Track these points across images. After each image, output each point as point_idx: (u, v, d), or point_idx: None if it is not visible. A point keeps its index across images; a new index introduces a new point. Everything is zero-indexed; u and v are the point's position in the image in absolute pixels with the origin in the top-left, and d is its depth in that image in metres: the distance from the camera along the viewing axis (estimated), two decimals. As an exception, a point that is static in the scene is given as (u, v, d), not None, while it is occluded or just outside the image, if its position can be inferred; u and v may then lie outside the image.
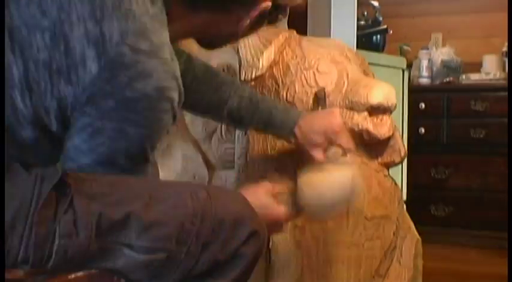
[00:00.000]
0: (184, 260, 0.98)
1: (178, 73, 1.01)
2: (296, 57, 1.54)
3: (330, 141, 1.35)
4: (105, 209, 0.94)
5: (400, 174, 2.74)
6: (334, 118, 1.37)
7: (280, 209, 1.20)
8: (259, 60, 1.52)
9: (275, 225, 1.19)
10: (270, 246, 1.39)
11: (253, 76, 1.51)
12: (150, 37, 0.96)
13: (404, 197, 2.74)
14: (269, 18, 1.18)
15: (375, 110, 1.48)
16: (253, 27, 1.17)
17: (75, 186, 0.94)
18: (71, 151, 0.99)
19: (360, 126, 1.47)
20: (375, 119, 1.48)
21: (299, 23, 2.25)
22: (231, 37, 1.20)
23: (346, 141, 1.36)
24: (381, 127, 1.49)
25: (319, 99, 1.48)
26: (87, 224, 0.92)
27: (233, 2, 1.09)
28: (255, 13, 1.11)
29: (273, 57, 1.53)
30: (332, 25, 2.31)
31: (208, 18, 1.10)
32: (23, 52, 0.95)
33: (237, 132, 1.65)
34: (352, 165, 1.31)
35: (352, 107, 1.48)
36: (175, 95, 1.00)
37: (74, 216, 0.92)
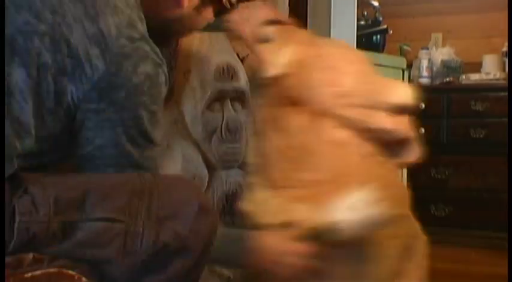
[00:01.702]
0: (145, 232, 1.03)
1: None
2: (313, 56, 1.52)
3: None
4: (60, 192, 1.00)
5: (400, 174, 2.74)
6: None
7: (297, 247, 1.29)
8: (280, 58, 1.49)
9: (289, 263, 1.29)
10: None
11: (274, 74, 1.48)
12: (137, 26, 1.06)
13: (404, 197, 2.74)
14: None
15: (397, 110, 1.48)
16: (199, 11, 1.25)
17: (28, 180, 1.00)
18: (87, 148, 1.06)
19: (381, 126, 1.47)
20: (395, 119, 1.49)
21: (299, 23, 2.25)
22: (174, 26, 1.26)
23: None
24: (401, 127, 1.49)
25: None
26: (45, 203, 0.98)
27: None
28: None
29: (293, 55, 1.50)
30: (332, 25, 2.31)
31: None
32: (22, 59, 0.98)
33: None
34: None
35: (375, 106, 1.47)
36: (165, 68, 1.10)
37: (31, 198, 0.98)
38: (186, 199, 1.10)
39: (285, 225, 1.38)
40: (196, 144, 1.91)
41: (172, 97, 1.94)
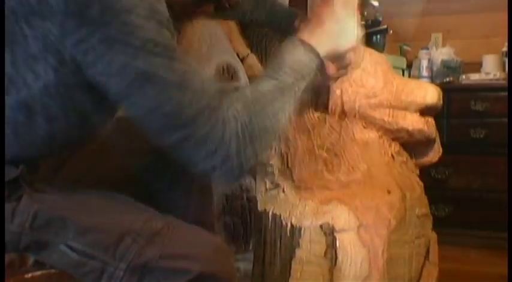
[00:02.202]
0: (126, 277, 0.97)
1: None
2: None
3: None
4: (45, 208, 0.97)
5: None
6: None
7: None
8: None
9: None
10: (337, 246, 1.36)
11: None
12: None
13: (404, 197, 2.74)
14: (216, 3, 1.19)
15: (427, 110, 1.48)
16: (200, 7, 1.17)
17: (28, 189, 0.98)
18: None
19: (414, 126, 1.46)
20: (424, 119, 1.49)
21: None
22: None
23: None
24: (429, 127, 1.50)
25: None
26: (23, 213, 0.96)
27: None
28: None
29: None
30: (332, 25, 2.31)
31: None
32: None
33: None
34: None
35: (406, 107, 1.47)
36: (163, 9, 0.94)
37: (15, 207, 0.96)
38: (192, 259, 0.98)
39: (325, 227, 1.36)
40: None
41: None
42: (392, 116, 1.47)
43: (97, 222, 0.99)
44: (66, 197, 1.02)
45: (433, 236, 1.54)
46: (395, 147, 1.50)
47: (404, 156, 1.52)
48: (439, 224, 3.52)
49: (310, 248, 1.37)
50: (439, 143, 1.56)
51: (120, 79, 0.91)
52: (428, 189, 3.43)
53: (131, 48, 0.89)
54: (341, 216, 1.37)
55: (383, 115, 1.47)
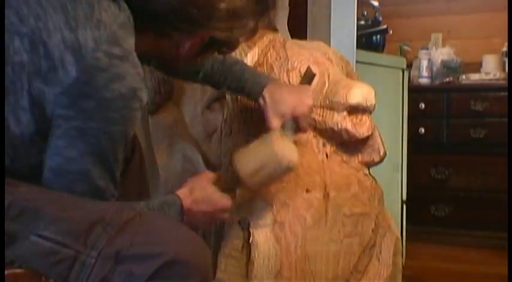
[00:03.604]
0: (97, 265, 0.99)
1: (143, 75, 1.11)
2: (280, 58, 1.59)
3: (293, 117, 1.43)
4: (18, 199, 1.00)
5: (400, 174, 2.74)
6: (306, 97, 1.44)
7: (223, 199, 1.29)
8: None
9: (221, 213, 1.30)
10: (250, 242, 1.41)
11: None
12: (121, 43, 1.06)
13: (405, 197, 2.74)
14: (216, 50, 1.28)
15: (354, 110, 1.52)
16: (199, 55, 1.26)
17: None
18: (57, 159, 1.06)
19: (339, 126, 1.51)
20: (354, 119, 1.52)
21: (299, 23, 2.25)
22: (175, 61, 1.27)
23: (306, 124, 1.46)
24: (359, 127, 1.52)
25: (306, 77, 1.51)
26: None
27: (173, 29, 1.17)
28: (192, 42, 1.20)
29: (256, 58, 1.57)
30: (332, 25, 2.31)
31: (152, 39, 1.19)
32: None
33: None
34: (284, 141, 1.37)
35: (332, 107, 1.51)
36: (144, 95, 1.09)
37: None
38: (161, 246, 1.00)
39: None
40: (196, 144, 1.91)
41: (172, 97, 1.94)
42: (322, 116, 1.51)
43: (69, 212, 1.02)
44: (39, 191, 1.05)
45: (392, 235, 1.55)
46: (331, 146, 1.54)
47: (344, 155, 1.55)
48: (439, 224, 3.54)
49: (231, 242, 1.44)
50: (381, 143, 1.57)
51: (62, 159, 1.06)
52: (428, 189, 3.45)
53: (90, 149, 1.06)
54: (258, 213, 1.44)
55: (315, 115, 1.52)
